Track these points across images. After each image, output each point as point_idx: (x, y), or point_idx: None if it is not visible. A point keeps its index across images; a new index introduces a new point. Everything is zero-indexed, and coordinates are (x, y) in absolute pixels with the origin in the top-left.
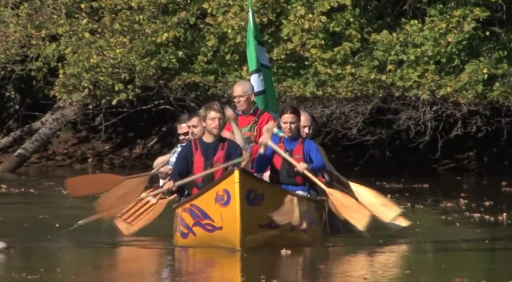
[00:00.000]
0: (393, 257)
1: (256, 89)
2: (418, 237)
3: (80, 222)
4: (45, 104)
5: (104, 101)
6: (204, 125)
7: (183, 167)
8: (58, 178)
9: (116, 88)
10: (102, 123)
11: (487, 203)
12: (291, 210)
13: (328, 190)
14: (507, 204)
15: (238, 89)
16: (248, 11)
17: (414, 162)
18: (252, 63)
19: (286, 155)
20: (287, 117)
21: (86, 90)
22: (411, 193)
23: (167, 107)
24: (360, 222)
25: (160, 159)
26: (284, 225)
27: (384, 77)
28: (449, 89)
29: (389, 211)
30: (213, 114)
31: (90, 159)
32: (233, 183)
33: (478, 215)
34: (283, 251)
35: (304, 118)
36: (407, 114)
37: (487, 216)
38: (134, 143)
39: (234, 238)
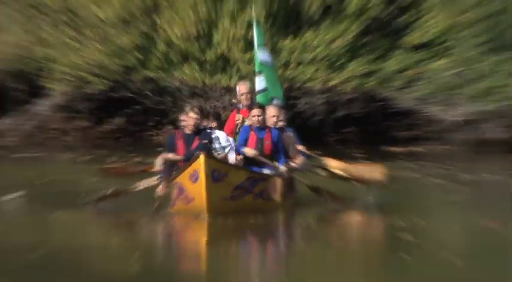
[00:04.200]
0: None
1: (258, 88)
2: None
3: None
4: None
5: (85, 89)
6: (185, 118)
7: (171, 150)
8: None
9: (92, 79)
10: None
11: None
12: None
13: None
14: None
15: (244, 88)
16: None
17: (310, 136)
18: (256, 66)
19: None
20: (256, 111)
21: (73, 80)
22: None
23: (130, 95)
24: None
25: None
26: (245, 198)
27: (288, 72)
28: (336, 81)
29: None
30: (191, 114)
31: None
32: (199, 165)
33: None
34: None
35: (274, 110)
36: (305, 100)
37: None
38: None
39: (202, 208)
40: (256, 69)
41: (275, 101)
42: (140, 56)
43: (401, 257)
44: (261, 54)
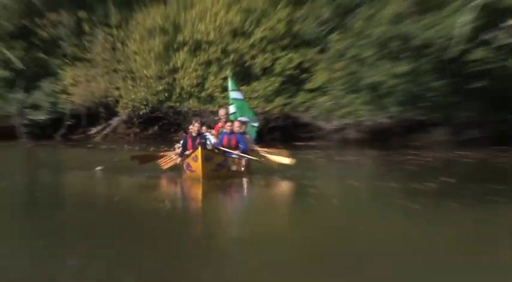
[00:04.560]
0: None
1: (230, 111)
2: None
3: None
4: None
5: (137, 112)
6: (191, 127)
7: (184, 146)
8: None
9: (141, 107)
10: (135, 121)
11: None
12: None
13: (263, 154)
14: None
15: (223, 111)
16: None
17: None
18: (230, 100)
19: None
20: (228, 124)
21: (131, 107)
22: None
23: (160, 114)
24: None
25: (178, 145)
26: (222, 170)
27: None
28: (269, 108)
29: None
30: (195, 125)
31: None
32: (198, 152)
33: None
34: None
35: (238, 123)
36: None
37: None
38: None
39: (199, 176)
40: (230, 102)
41: (240, 119)
42: (166, 95)
43: (309, 201)
44: (233, 94)
